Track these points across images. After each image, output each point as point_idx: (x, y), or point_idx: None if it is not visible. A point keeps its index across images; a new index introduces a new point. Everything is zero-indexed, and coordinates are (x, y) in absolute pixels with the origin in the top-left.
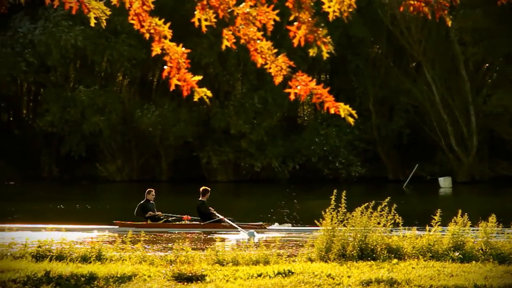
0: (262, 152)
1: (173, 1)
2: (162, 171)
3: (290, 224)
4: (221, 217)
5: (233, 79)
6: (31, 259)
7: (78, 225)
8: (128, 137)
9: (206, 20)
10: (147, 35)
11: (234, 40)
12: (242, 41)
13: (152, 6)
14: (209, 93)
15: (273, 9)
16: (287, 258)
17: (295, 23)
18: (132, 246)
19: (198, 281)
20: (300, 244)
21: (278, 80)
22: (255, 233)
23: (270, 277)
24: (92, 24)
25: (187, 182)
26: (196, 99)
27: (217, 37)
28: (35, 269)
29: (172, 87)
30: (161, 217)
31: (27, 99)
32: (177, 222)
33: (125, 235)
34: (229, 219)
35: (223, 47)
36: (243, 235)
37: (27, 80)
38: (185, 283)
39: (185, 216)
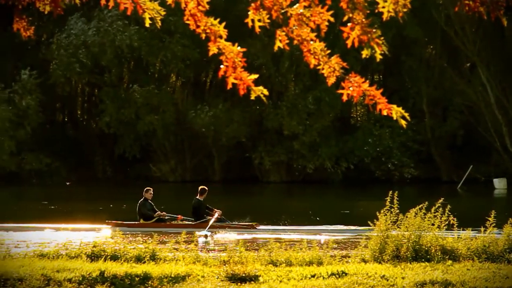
0: (315, 153)
1: (225, 2)
2: (215, 171)
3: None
4: (213, 218)
5: (286, 80)
6: (86, 259)
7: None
8: (181, 137)
9: (259, 20)
10: (203, 35)
11: (287, 41)
12: (295, 42)
13: (207, 6)
14: (265, 91)
15: (327, 10)
16: (341, 259)
17: (349, 24)
18: (186, 246)
19: (252, 282)
20: (354, 245)
21: (331, 81)
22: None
23: (323, 278)
24: (147, 25)
25: (240, 182)
26: (252, 97)
27: (270, 38)
28: (90, 269)
29: (229, 86)
30: (166, 217)
31: (82, 99)
32: (172, 222)
33: (179, 236)
34: (218, 218)
35: (276, 48)
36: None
37: (82, 80)
38: (239, 284)
39: (178, 216)
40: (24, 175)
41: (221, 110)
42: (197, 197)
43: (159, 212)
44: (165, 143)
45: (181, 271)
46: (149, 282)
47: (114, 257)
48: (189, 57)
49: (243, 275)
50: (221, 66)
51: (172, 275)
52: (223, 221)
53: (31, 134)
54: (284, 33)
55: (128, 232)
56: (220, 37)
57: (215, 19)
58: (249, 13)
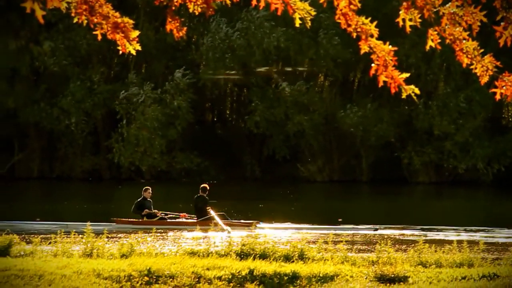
0: (467, 154)
1: (375, 1)
2: (363, 171)
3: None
4: (214, 214)
5: (436, 79)
6: (235, 257)
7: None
8: (329, 137)
9: (410, 20)
10: (354, 34)
11: (439, 40)
12: (447, 41)
13: (359, 5)
14: (417, 90)
15: (480, 10)
16: (492, 261)
17: (502, 23)
18: (334, 246)
19: (401, 283)
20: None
21: (484, 80)
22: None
23: (474, 280)
24: (297, 25)
25: (388, 183)
26: (403, 96)
27: (420, 37)
28: (239, 267)
29: (380, 84)
30: (157, 215)
31: (231, 99)
32: (174, 220)
33: (327, 236)
34: (219, 214)
35: (428, 47)
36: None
37: (229, 83)
38: (388, 284)
39: (182, 214)
40: (174, 174)
41: (370, 109)
42: (200, 194)
43: (155, 210)
44: (314, 143)
45: (330, 271)
46: (298, 281)
47: (263, 256)
48: (340, 56)
49: (392, 275)
50: (372, 65)
51: (321, 275)
52: (225, 218)
53: (181, 134)
54: (436, 32)
55: (131, 230)
56: (372, 36)
57: (365, 18)
58: (400, 12)
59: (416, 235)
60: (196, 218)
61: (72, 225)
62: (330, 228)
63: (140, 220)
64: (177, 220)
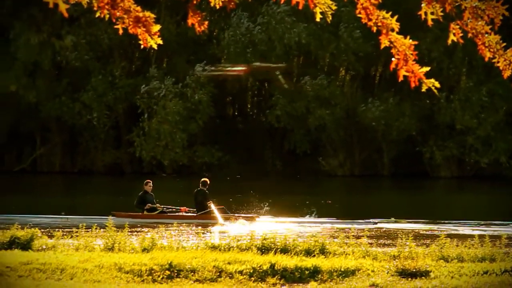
0: (489, 148)
1: None
2: (384, 166)
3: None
4: (214, 208)
5: (458, 73)
6: (257, 251)
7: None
8: (350, 131)
9: (432, 13)
10: (374, 28)
11: (461, 34)
12: (470, 35)
13: None
14: (437, 84)
15: (502, 4)
16: None
17: None
18: (355, 241)
19: (422, 277)
20: None
21: (506, 74)
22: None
23: (496, 274)
24: (318, 19)
25: (409, 177)
26: (423, 89)
27: (442, 31)
28: (260, 261)
29: (400, 78)
30: (158, 209)
31: (252, 94)
32: (173, 214)
33: (348, 230)
34: (219, 208)
35: (450, 41)
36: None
37: (250, 77)
38: (409, 279)
39: (182, 208)
40: (195, 168)
41: (391, 104)
42: (200, 187)
43: (150, 204)
44: (335, 137)
45: (351, 265)
46: (319, 275)
47: (284, 250)
48: (361, 50)
49: (414, 270)
50: (393, 59)
51: (342, 269)
52: (224, 212)
53: (202, 128)
54: (458, 26)
55: (131, 223)
56: (392, 30)
57: (386, 12)
58: (422, 5)
59: (438, 230)
60: (196, 212)
61: (72, 219)
62: (334, 222)
63: (140, 213)
64: (177, 214)
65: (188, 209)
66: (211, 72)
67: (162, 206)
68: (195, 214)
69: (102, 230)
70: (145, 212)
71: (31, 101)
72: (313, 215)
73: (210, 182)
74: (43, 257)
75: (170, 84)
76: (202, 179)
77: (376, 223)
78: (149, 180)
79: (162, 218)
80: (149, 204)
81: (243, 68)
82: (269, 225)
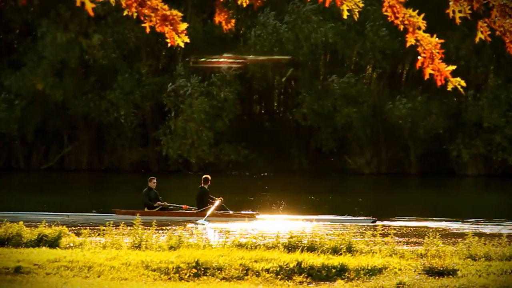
0: None
1: None
2: (411, 164)
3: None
4: (213, 206)
5: (486, 71)
6: (283, 249)
7: None
8: (377, 129)
9: (460, 11)
10: (401, 27)
11: (489, 32)
12: (498, 33)
13: None
14: (463, 83)
15: None
16: None
17: None
18: (382, 239)
19: (450, 276)
20: None
21: None
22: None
23: None
24: (345, 16)
25: (436, 175)
26: (449, 88)
27: (470, 29)
28: (287, 260)
29: (426, 77)
30: (166, 206)
31: (278, 91)
32: (173, 211)
33: (374, 228)
34: (219, 206)
35: (477, 39)
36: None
37: (276, 76)
38: (436, 277)
39: (184, 206)
40: (222, 166)
41: (419, 102)
42: (202, 185)
43: (159, 202)
44: (361, 135)
45: (378, 263)
46: (346, 274)
47: (311, 248)
48: (388, 48)
49: (441, 268)
50: (419, 58)
51: (369, 268)
52: (224, 209)
53: (229, 126)
54: (486, 24)
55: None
56: (419, 28)
57: (413, 10)
58: (450, 3)
59: (465, 228)
60: (197, 209)
61: (72, 215)
62: (334, 220)
63: (141, 211)
64: (176, 211)
65: (188, 206)
66: (198, 64)
67: (168, 204)
68: (195, 211)
69: (129, 227)
70: (145, 209)
71: (58, 99)
72: (345, 215)
73: (209, 179)
74: (71, 254)
75: (196, 82)
76: (204, 176)
77: (375, 220)
78: (153, 177)
79: (162, 215)
80: (159, 202)
81: (231, 61)
82: (268, 223)
